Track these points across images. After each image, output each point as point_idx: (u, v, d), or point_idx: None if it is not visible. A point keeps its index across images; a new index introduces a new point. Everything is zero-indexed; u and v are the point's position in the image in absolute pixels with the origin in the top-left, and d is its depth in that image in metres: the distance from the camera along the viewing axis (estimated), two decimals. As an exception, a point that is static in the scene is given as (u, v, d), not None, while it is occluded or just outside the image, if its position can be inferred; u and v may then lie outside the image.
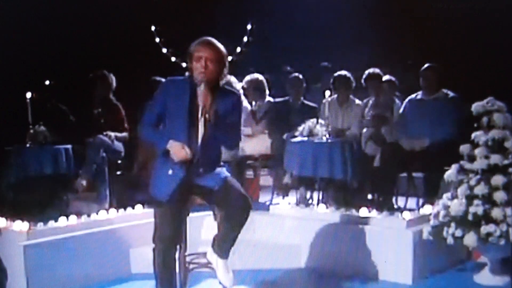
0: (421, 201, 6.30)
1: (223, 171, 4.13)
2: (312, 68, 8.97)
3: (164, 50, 10.05)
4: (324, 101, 6.95)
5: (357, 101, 6.83)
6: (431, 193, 6.01)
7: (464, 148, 5.14)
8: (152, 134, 4.17)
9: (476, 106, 5.14)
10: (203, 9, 9.32)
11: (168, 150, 4.02)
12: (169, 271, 4.12)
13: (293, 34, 9.39)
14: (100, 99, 6.42)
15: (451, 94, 6.28)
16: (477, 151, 5.03)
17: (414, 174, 6.44)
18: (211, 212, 4.90)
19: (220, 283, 4.26)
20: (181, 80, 4.18)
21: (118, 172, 6.41)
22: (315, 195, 6.48)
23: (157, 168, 4.16)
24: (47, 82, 6.75)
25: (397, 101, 6.67)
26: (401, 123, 6.40)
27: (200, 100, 4.02)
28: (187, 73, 4.25)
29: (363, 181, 6.43)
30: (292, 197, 6.67)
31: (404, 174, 6.44)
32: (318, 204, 6.06)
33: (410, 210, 5.85)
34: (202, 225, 5.59)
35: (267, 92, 7.30)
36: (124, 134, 6.41)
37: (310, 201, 6.35)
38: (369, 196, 6.57)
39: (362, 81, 6.86)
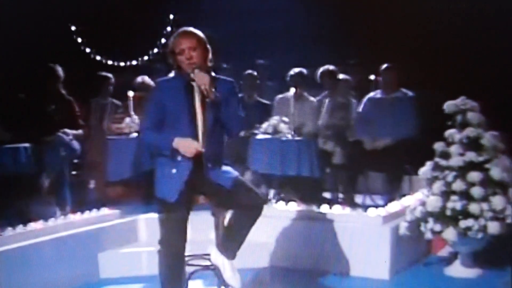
0: (374, 197, 6.51)
1: (231, 170, 4.02)
2: (248, 66, 8.92)
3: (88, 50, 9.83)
4: (277, 98, 6.96)
5: (311, 98, 6.87)
6: (394, 190, 6.20)
7: (438, 146, 5.30)
8: (155, 137, 4.01)
9: (449, 105, 5.30)
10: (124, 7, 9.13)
11: (175, 150, 3.88)
12: (177, 275, 3.94)
13: (227, 32, 9.29)
14: (52, 94, 6.03)
15: (409, 93, 6.46)
16: (452, 149, 5.19)
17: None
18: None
19: (222, 285, 4.15)
20: (173, 78, 4.12)
21: (74, 172, 6.06)
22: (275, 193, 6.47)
23: (159, 169, 4.01)
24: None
25: (353, 100, 6.77)
26: (362, 121, 6.50)
27: (196, 92, 3.95)
28: (173, 72, 4.15)
29: (326, 179, 6.49)
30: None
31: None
32: (277, 201, 6.04)
33: (370, 206, 5.96)
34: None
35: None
36: (80, 131, 6.06)
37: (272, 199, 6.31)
38: (328, 194, 6.64)
39: (318, 77, 6.90)
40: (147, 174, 6.29)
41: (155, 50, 10.35)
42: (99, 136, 6.72)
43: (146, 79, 7.02)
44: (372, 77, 7.51)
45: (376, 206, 5.88)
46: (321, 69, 6.89)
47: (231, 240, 3.97)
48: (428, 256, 5.83)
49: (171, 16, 10.43)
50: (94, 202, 6.06)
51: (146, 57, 10.18)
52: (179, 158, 3.91)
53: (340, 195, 6.49)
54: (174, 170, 3.91)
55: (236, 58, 9.06)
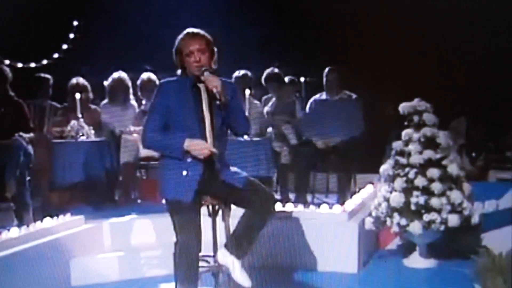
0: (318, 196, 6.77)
1: (240, 170, 4.08)
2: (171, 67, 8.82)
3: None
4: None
5: (255, 101, 6.99)
6: (343, 189, 6.48)
7: (396, 145, 5.62)
8: (162, 139, 3.99)
9: (404, 106, 5.63)
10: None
11: (185, 151, 3.88)
12: (195, 275, 3.91)
13: (149, 33, 9.18)
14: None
15: (353, 95, 6.76)
16: (411, 147, 5.52)
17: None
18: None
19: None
20: (178, 80, 4.12)
21: (28, 178, 5.76)
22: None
23: (167, 171, 3.99)
24: None
25: (297, 102, 6.98)
26: (309, 122, 6.71)
27: (203, 93, 3.98)
28: (178, 72, 4.13)
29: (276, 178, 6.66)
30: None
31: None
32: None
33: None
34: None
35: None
36: (32, 135, 5.77)
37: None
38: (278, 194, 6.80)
39: (263, 81, 7.04)
40: (99, 178, 6.19)
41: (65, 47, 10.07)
42: (40, 140, 6.41)
43: (81, 80, 6.80)
44: (302, 79, 7.80)
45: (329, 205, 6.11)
46: (266, 72, 7.04)
47: (243, 239, 3.98)
48: (378, 250, 6.15)
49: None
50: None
51: (56, 55, 9.85)
52: (189, 159, 3.92)
53: (291, 194, 6.67)
54: (185, 172, 3.91)
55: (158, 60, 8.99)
